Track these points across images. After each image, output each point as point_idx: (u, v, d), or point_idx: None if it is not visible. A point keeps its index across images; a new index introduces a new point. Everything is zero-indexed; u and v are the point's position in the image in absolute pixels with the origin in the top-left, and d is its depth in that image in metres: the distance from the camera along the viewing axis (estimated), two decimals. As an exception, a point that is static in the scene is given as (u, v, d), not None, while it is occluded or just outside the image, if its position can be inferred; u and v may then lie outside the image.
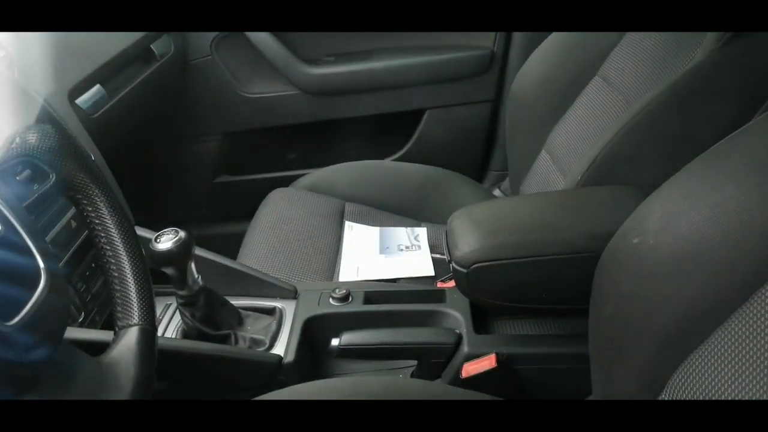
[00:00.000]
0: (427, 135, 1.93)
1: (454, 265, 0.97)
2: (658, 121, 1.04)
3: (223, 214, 1.99)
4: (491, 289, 0.98)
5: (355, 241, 1.41)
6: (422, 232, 1.44)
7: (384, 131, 1.97)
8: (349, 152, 1.83)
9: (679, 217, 0.64)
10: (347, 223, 1.46)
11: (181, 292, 1.02)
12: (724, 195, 0.61)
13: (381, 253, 1.37)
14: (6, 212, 0.62)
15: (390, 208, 1.55)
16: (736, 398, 0.53)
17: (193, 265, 1.01)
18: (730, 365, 0.55)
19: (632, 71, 1.18)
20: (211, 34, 1.77)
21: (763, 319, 0.53)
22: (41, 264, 0.61)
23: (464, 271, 0.96)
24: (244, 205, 1.66)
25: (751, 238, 0.56)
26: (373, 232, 1.44)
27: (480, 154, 2.00)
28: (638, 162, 1.06)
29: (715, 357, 0.56)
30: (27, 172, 0.76)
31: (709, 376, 0.56)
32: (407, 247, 1.39)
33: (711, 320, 0.57)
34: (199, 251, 1.12)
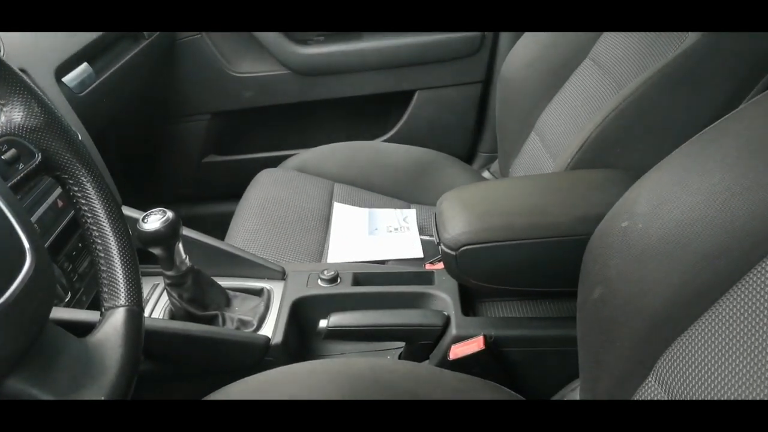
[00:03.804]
0: (416, 116, 1.92)
1: (442, 247, 0.97)
2: (648, 104, 1.04)
3: (211, 195, 1.98)
4: (480, 272, 0.98)
5: (344, 223, 1.40)
6: (411, 213, 1.44)
7: (374, 112, 1.97)
8: (339, 133, 1.82)
9: (668, 201, 0.64)
10: (336, 204, 1.46)
11: (168, 273, 1.02)
12: (714, 179, 0.61)
13: (370, 235, 1.37)
14: (-10, 192, 0.61)
15: (379, 190, 1.55)
16: (723, 381, 0.53)
17: (180, 246, 1.01)
18: (718, 348, 0.55)
19: (623, 54, 1.17)
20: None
21: (750, 303, 0.53)
22: (26, 244, 0.60)
23: (453, 253, 0.96)
24: (233, 186, 1.65)
25: (740, 222, 0.56)
26: (362, 213, 1.44)
27: (470, 136, 2.00)
28: (628, 145, 1.06)
29: (703, 340, 0.56)
30: (12, 151, 0.76)
31: (697, 359, 0.56)
32: (396, 229, 1.39)
33: (699, 304, 0.57)
34: (186, 231, 1.11)
